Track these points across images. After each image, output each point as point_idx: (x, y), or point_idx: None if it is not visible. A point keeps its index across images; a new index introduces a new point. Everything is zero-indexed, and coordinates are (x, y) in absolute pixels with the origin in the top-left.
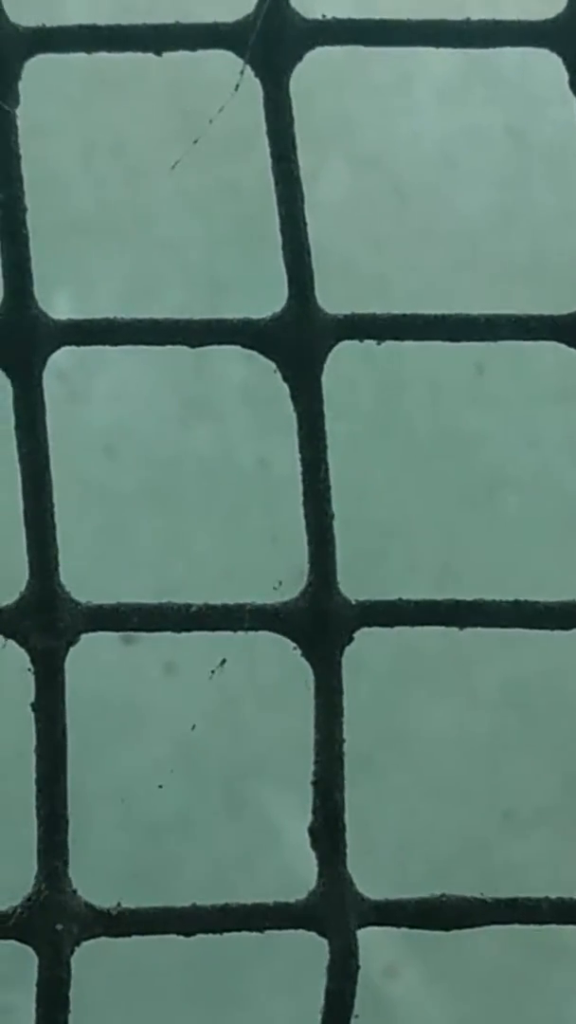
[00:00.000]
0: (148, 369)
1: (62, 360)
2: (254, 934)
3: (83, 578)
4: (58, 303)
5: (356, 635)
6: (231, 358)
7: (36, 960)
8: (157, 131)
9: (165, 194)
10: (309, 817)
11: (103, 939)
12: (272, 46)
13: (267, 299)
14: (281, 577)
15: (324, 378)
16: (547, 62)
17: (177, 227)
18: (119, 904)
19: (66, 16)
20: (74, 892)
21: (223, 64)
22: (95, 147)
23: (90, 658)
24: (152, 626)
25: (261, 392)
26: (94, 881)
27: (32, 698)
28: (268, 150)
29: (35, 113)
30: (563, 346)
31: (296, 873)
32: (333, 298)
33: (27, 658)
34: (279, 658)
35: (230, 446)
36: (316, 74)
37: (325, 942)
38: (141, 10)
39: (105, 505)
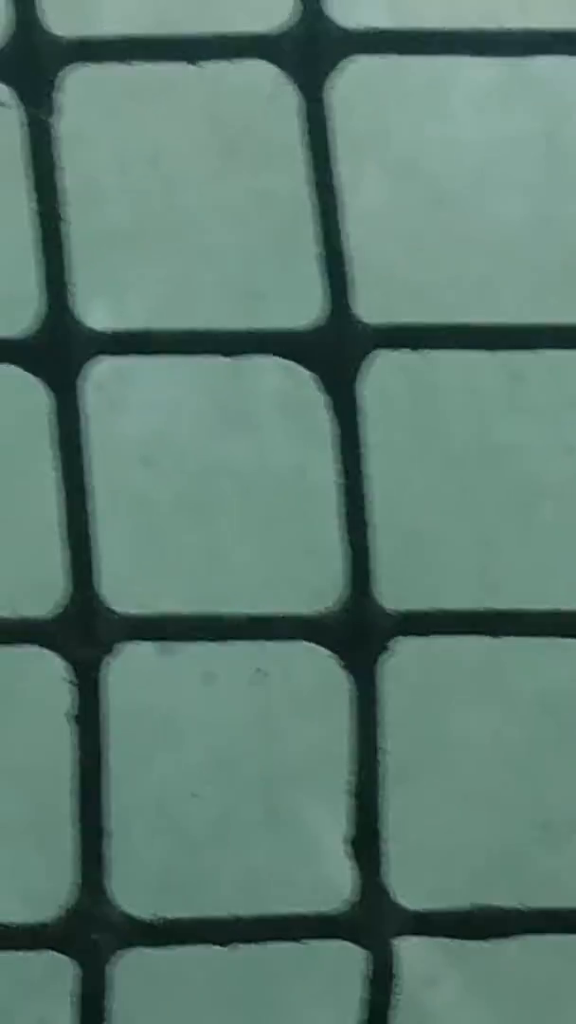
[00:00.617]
0: (185, 379)
1: (99, 370)
2: (292, 944)
3: (120, 588)
4: (95, 313)
5: (393, 644)
6: (268, 367)
7: (75, 971)
8: (193, 140)
9: (202, 204)
10: (347, 827)
11: (141, 949)
12: (309, 55)
13: (304, 308)
14: (318, 586)
15: (360, 387)
16: None
17: (214, 237)
18: (157, 914)
19: (102, 26)
20: (113, 902)
21: (260, 73)
22: (131, 157)
23: (128, 667)
24: (190, 636)
25: (298, 401)
26: (131, 890)
27: (71, 708)
28: (305, 159)
29: (71, 122)
30: None
31: (334, 883)
32: (370, 306)
33: (66, 668)
34: (318, 667)
35: (267, 455)
36: (352, 81)
37: (363, 952)
38: (177, 19)
39: (142, 515)
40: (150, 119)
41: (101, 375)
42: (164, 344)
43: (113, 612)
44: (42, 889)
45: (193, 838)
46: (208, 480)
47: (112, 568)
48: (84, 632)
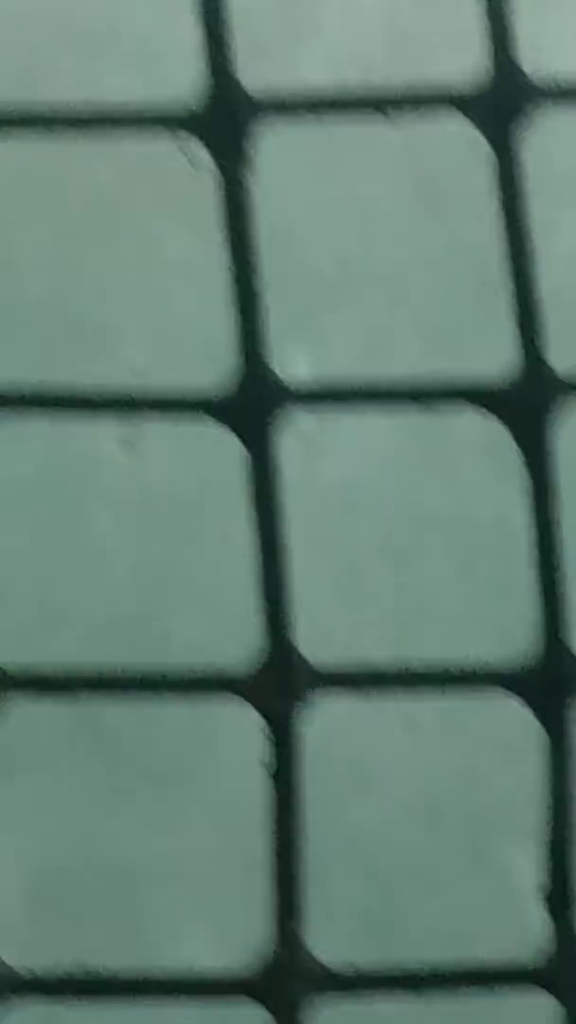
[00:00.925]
0: (385, 423)
1: (299, 415)
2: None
3: (320, 633)
4: (295, 362)
5: None
6: (469, 413)
7: (268, 1020)
8: (390, 190)
9: (399, 253)
10: (541, 877)
11: (335, 998)
12: (502, 107)
13: (502, 357)
14: (518, 633)
15: (553, 436)
16: None
17: (411, 286)
18: (351, 963)
19: (300, 76)
20: (309, 952)
21: (454, 124)
22: (328, 207)
23: (325, 713)
24: (385, 686)
25: (499, 447)
26: (326, 939)
27: (265, 758)
28: (498, 209)
29: (269, 174)
30: None
31: (533, 932)
32: (565, 356)
33: (261, 720)
34: (516, 715)
35: (468, 502)
36: (546, 130)
37: (556, 1004)
38: (372, 71)
39: (342, 560)
40: (347, 169)
41: (301, 420)
42: (357, 396)
43: (308, 663)
44: (238, 937)
45: (392, 883)
46: (408, 526)
47: (312, 613)
48: (279, 684)
